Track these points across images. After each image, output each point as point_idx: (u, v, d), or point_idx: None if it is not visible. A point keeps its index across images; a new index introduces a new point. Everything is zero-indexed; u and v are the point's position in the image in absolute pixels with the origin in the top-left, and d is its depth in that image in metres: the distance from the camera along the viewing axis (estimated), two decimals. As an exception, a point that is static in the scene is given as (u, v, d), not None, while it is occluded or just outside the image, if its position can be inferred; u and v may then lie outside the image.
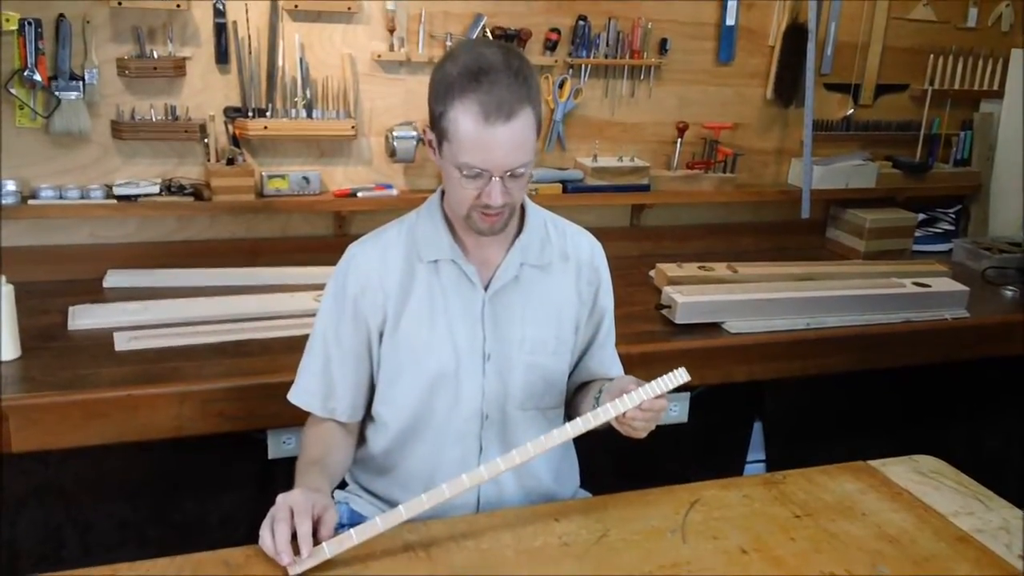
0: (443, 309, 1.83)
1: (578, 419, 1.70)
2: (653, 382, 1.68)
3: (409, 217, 1.90)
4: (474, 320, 1.84)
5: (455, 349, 1.83)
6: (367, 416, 1.94)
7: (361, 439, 1.96)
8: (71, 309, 2.62)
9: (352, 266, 1.85)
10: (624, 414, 1.68)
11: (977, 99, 3.99)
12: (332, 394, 1.88)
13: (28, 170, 2.81)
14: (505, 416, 1.88)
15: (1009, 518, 1.85)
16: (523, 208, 1.88)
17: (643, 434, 1.73)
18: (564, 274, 1.92)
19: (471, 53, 1.67)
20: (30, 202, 2.78)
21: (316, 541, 1.56)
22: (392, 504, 1.89)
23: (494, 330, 1.85)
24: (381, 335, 1.85)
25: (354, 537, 1.59)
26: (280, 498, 1.59)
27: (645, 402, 1.67)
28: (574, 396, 2.01)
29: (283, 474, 2.52)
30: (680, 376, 1.69)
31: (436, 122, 1.70)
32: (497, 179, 1.67)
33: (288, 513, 1.55)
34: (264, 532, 1.56)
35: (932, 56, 3.83)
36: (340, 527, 1.98)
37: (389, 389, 1.88)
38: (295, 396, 1.91)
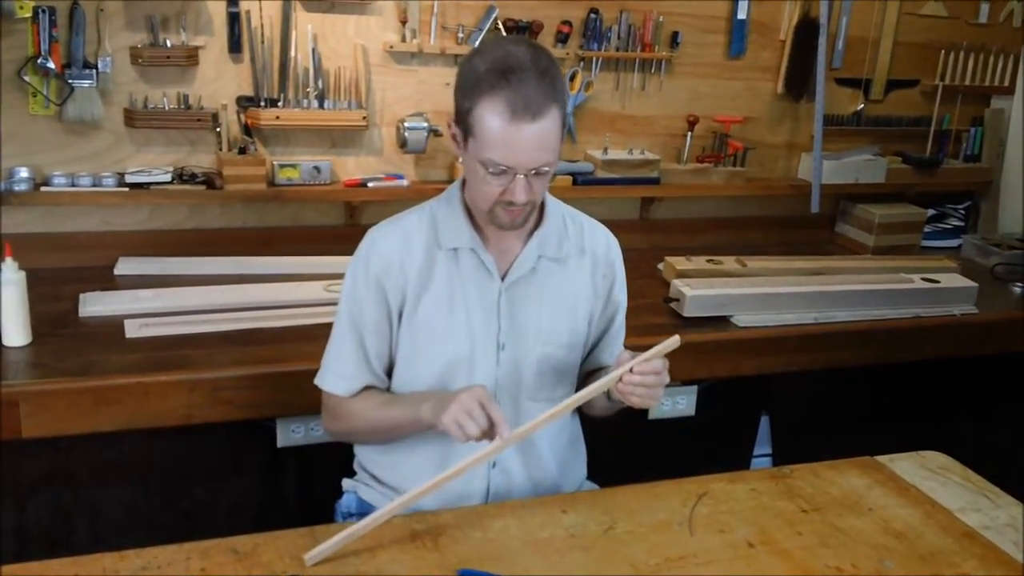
0: (461, 297, 1.85)
1: (578, 393, 1.73)
2: (648, 351, 1.71)
3: (430, 204, 1.91)
4: (490, 309, 1.86)
5: (471, 337, 1.85)
6: None
7: None
8: (82, 296, 2.63)
9: (374, 249, 1.86)
10: (621, 379, 1.69)
11: (988, 95, 3.97)
12: (369, 369, 1.89)
13: (41, 157, 2.82)
14: (517, 406, 1.89)
15: (1016, 515, 1.85)
16: (542, 201, 1.89)
17: (648, 402, 1.73)
18: (580, 268, 1.93)
19: (500, 50, 1.68)
20: (42, 189, 2.79)
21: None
22: (402, 493, 1.90)
23: (509, 320, 1.86)
24: (400, 316, 1.86)
25: (367, 523, 1.60)
26: (464, 394, 1.66)
27: (637, 366, 1.68)
28: (582, 385, 2.02)
29: (292, 462, 2.54)
30: (672, 343, 1.71)
31: (462, 117, 1.71)
32: (521, 177, 1.68)
33: (477, 403, 1.64)
34: (465, 422, 1.64)
35: (943, 52, 3.82)
36: (349, 516, 2.00)
37: (404, 374, 1.90)
38: (331, 384, 1.90)
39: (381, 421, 1.86)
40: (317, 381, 1.92)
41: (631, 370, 1.69)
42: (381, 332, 1.87)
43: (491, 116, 1.65)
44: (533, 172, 1.69)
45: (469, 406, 1.65)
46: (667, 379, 1.73)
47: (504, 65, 1.64)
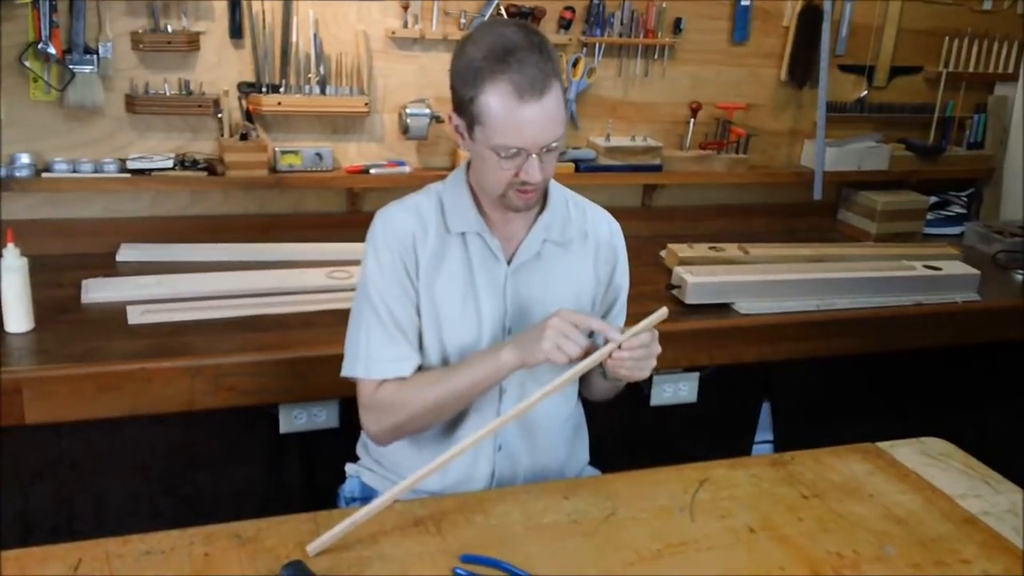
0: (471, 281, 1.85)
1: (570, 369, 1.72)
2: (636, 326, 1.72)
3: (435, 187, 1.90)
4: (497, 294, 1.86)
5: (479, 321, 1.85)
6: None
7: None
8: (84, 282, 2.63)
9: (389, 225, 1.84)
10: (611, 356, 1.71)
11: (991, 82, 3.96)
12: (414, 345, 1.85)
13: (42, 143, 2.82)
14: (523, 390, 1.88)
15: (1017, 501, 1.85)
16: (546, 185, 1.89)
17: (638, 374, 1.74)
18: (583, 252, 1.93)
19: (492, 34, 1.68)
20: (44, 175, 2.79)
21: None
22: (404, 477, 1.90)
23: (516, 305, 1.87)
24: (417, 290, 1.86)
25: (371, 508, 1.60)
26: (553, 319, 1.69)
27: (626, 342, 1.69)
28: None
29: (294, 448, 2.54)
30: (660, 315, 1.72)
31: (466, 107, 1.70)
32: (534, 156, 1.69)
33: (570, 325, 1.68)
34: (565, 343, 1.67)
35: (947, 38, 3.80)
36: (352, 500, 2.01)
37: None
38: (390, 369, 1.82)
39: (450, 390, 1.79)
40: (367, 375, 1.83)
41: (620, 346, 1.70)
42: (412, 302, 1.84)
43: (498, 101, 1.65)
44: (545, 150, 1.70)
45: (564, 328, 1.68)
46: (658, 349, 1.74)
47: (501, 48, 1.65)
